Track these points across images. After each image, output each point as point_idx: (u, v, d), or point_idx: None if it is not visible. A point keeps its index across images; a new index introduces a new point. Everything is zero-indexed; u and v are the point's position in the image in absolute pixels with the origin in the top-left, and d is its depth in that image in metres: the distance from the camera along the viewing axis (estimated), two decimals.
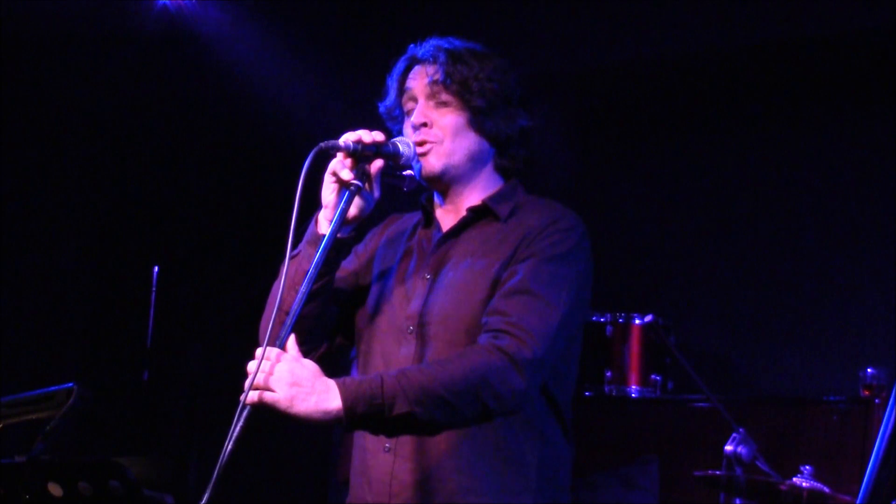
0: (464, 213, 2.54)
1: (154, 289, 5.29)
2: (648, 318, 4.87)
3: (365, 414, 2.20)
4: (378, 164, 2.43)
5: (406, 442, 2.40)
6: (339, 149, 2.37)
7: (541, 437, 2.46)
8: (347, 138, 2.38)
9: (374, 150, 2.40)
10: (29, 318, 5.47)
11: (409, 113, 2.53)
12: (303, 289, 2.25)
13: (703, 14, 5.14)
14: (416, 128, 2.50)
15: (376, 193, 2.44)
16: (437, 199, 2.60)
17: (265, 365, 2.17)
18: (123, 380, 5.55)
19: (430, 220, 2.60)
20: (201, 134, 5.99)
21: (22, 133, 5.43)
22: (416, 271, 2.52)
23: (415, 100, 2.53)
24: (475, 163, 2.54)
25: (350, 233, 2.46)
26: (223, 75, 5.77)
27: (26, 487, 2.71)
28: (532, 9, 5.46)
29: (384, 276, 2.57)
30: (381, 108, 2.62)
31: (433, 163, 2.49)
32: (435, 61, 2.52)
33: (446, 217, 2.57)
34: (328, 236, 2.32)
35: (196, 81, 5.84)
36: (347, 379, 2.24)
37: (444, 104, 2.51)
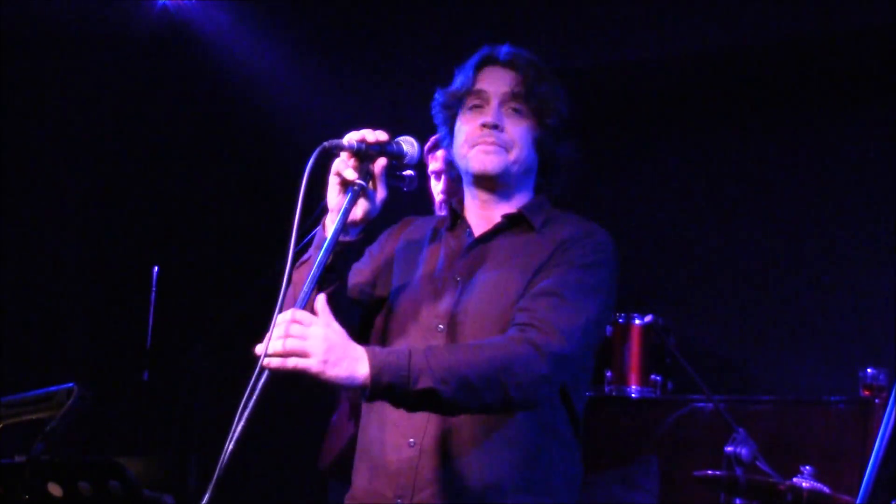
0: (498, 219, 2.58)
1: (154, 289, 5.29)
2: (648, 318, 4.88)
3: (389, 384, 2.21)
4: (382, 163, 2.42)
5: (431, 438, 2.42)
6: (342, 148, 2.37)
7: (560, 441, 2.50)
8: (351, 137, 2.38)
9: (378, 149, 2.40)
10: (29, 318, 5.47)
11: (473, 108, 2.57)
12: (306, 288, 2.23)
13: (704, 14, 5.15)
14: (486, 127, 2.53)
15: (381, 193, 2.44)
16: (471, 202, 2.62)
17: (297, 328, 2.15)
18: (123, 380, 5.54)
19: (455, 222, 2.63)
20: (201, 133, 5.99)
21: (22, 133, 5.43)
22: (446, 272, 2.54)
23: (486, 100, 2.57)
24: (524, 176, 2.60)
25: (358, 235, 2.45)
26: (223, 75, 5.77)
27: (26, 487, 2.71)
28: (532, 8, 5.46)
29: (409, 276, 2.58)
30: (441, 96, 2.64)
31: (495, 163, 2.53)
32: (517, 69, 2.58)
33: (480, 221, 2.61)
34: (331, 235, 2.31)
35: (196, 81, 5.84)
36: (376, 348, 2.26)
37: (518, 113, 2.56)
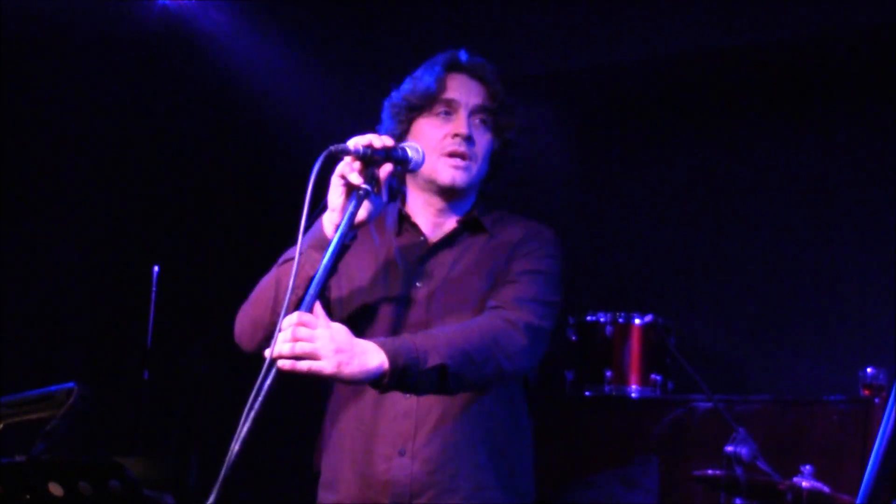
0: (449, 224, 2.64)
1: (154, 289, 5.29)
2: (648, 317, 4.88)
3: (405, 366, 2.27)
4: (387, 168, 2.44)
5: (421, 445, 2.47)
6: (348, 153, 2.37)
7: (525, 433, 2.61)
8: (357, 142, 2.38)
9: (384, 154, 2.41)
10: (29, 318, 5.47)
11: (441, 115, 2.59)
12: (312, 291, 2.24)
13: (703, 14, 5.14)
14: (461, 137, 2.56)
15: (384, 197, 2.46)
16: (422, 207, 2.64)
17: (304, 331, 2.18)
18: (123, 380, 5.54)
19: (402, 227, 2.65)
20: (202, 133, 5.99)
21: (22, 133, 5.43)
22: (407, 279, 2.57)
23: (455, 109, 2.59)
24: (477, 185, 2.66)
25: (353, 237, 2.46)
26: (224, 75, 5.77)
27: (27, 487, 2.71)
28: (532, 9, 5.46)
29: (366, 282, 2.59)
30: (402, 96, 2.64)
31: (464, 178, 2.59)
32: (485, 82, 2.62)
33: (433, 227, 2.64)
34: (337, 241, 2.31)
35: (196, 81, 5.84)
36: (380, 339, 2.33)
37: (484, 125, 2.61)
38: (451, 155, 2.56)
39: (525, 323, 2.45)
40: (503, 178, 2.75)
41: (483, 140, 2.60)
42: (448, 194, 2.60)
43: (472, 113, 2.60)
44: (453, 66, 2.62)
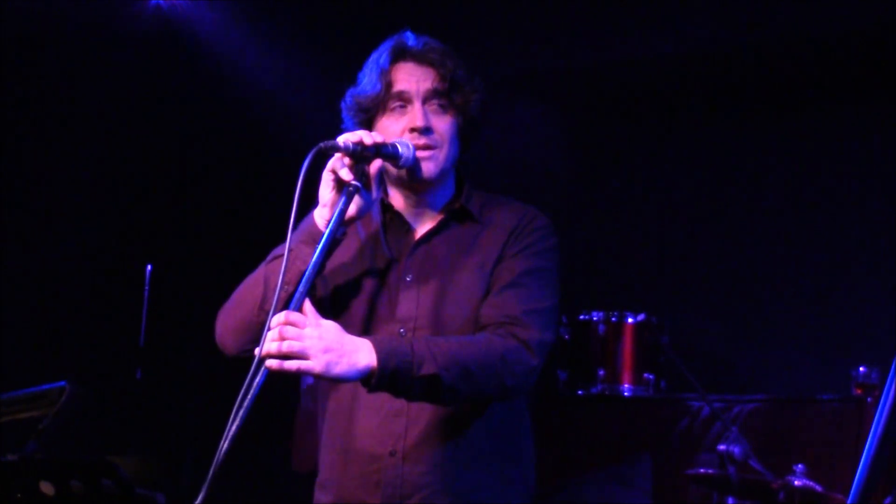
0: (436, 214, 2.59)
1: (147, 287, 5.28)
2: (641, 316, 4.89)
3: (395, 369, 2.26)
4: (377, 164, 2.43)
5: (412, 445, 2.45)
6: (338, 149, 2.36)
7: (524, 428, 2.58)
8: (347, 139, 2.37)
9: (374, 151, 2.40)
10: (22, 317, 5.46)
11: (395, 109, 2.54)
12: (301, 288, 2.24)
13: (702, 14, 5.15)
14: (418, 131, 2.50)
15: (375, 194, 2.45)
16: (402, 201, 2.61)
17: (292, 331, 2.18)
18: (117, 378, 5.54)
19: (388, 220, 2.61)
20: (195, 132, 5.98)
21: (18, 133, 5.42)
22: (395, 274, 2.54)
23: (408, 100, 2.53)
24: (451, 168, 2.60)
25: (343, 233, 2.46)
26: (216, 74, 5.76)
27: (19, 486, 2.71)
28: (531, 7, 5.46)
29: (352, 277, 2.56)
30: (351, 100, 2.60)
31: (432, 168, 2.52)
32: (433, 64, 2.55)
33: (418, 219, 2.60)
34: (327, 236, 2.31)
35: (190, 80, 5.84)
36: (378, 336, 2.32)
37: (443, 109, 2.55)
38: (415, 148, 2.50)
39: (538, 342, 2.42)
40: (499, 172, 2.72)
41: (443, 124, 2.53)
42: (423, 185, 2.56)
43: (426, 100, 2.53)
44: (399, 55, 2.56)
